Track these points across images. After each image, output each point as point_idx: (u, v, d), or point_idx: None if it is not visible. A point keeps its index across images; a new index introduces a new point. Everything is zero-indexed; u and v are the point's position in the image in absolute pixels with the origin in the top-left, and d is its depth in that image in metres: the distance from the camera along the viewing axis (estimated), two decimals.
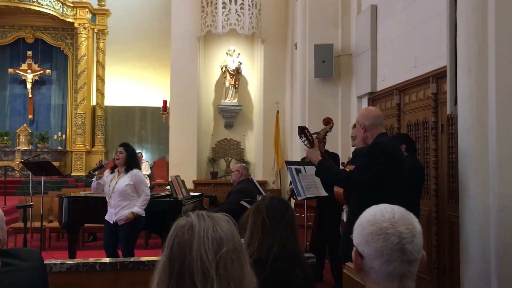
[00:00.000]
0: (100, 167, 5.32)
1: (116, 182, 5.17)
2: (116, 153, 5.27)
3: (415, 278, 1.31)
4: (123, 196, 5.12)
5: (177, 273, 1.12)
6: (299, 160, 6.42)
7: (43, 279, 1.92)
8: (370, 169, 3.05)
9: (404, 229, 1.28)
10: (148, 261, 3.10)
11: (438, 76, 4.99)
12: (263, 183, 10.37)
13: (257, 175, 11.37)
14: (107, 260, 3.08)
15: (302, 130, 3.41)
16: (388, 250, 1.26)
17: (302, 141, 3.41)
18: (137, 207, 5.13)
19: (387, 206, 1.35)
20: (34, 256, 1.94)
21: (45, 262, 2.10)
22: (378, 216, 1.31)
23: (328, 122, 4.86)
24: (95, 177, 5.33)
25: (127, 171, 5.18)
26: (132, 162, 5.24)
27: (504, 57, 3.37)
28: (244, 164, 6.67)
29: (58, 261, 3.05)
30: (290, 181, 4.93)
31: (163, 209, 5.90)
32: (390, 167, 3.04)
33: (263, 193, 5.64)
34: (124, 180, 5.14)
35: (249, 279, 1.15)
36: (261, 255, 2.11)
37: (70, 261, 3.07)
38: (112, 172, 5.30)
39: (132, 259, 3.17)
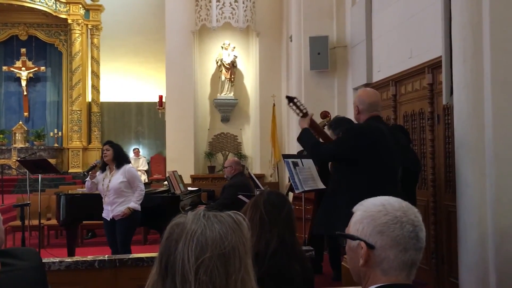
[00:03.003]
0: (93, 167, 5.33)
1: (110, 180, 5.17)
2: (103, 152, 5.30)
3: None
4: (118, 193, 5.13)
5: (163, 269, 1.12)
6: (296, 153, 6.42)
7: (42, 279, 1.92)
8: (339, 148, 3.13)
9: (413, 217, 1.31)
10: (147, 257, 3.10)
11: (434, 66, 4.99)
12: (260, 176, 10.38)
13: (255, 169, 11.38)
14: (105, 257, 3.08)
15: (291, 99, 3.48)
16: (406, 238, 1.28)
17: (293, 110, 3.47)
18: (133, 203, 5.15)
19: (384, 197, 1.36)
20: (32, 255, 1.93)
21: (44, 261, 2.10)
22: (389, 206, 1.32)
23: (325, 115, 4.88)
24: (88, 176, 5.33)
25: (118, 167, 5.18)
26: (120, 157, 5.25)
27: (499, 46, 3.37)
28: (236, 159, 6.67)
29: (57, 259, 3.05)
30: (289, 178, 4.93)
31: (161, 205, 5.92)
32: (366, 150, 3.05)
33: (261, 187, 5.64)
34: (118, 178, 5.14)
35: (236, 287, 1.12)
36: (260, 250, 2.12)
37: (69, 259, 3.07)
38: (104, 170, 5.29)
39: (131, 256, 3.18)
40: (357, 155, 3.03)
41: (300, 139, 3.50)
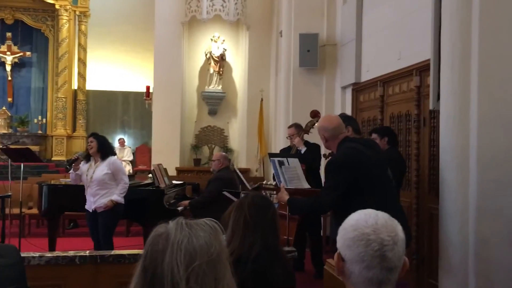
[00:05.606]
0: (75, 160, 5.27)
1: (94, 171, 5.12)
2: (88, 144, 5.25)
3: (394, 284, 1.33)
4: (102, 185, 5.08)
5: (149, 282, 1.10)
6: (282, 149, 6.42)
7: (20, 276, 1.90)
8: (332, 190, 3.10)
9: (386, 236, 1.29)
10: (128, 254, 3.07)
11: (422, 69, 5.01)
12: (246, 171, 10.36)
13: (241, 163, 11.36)
14: (87, 253, 3.05)
15: (260, 187, 3.58)
16: (369, 256, 1.28)
17: (271, 194, 3.56)
18: (116, 195, 5.11)
19: (372, 211, 1.36)
20: (11, 252, 1.91)
21: (23, 255, 2.08)
22: (362, 222, 1.32)
23: (315, 114, 4.90)
24: (72, 169, 5.27)
25: (103, 158, 5.13)
26: (105, 148, 5.20)
27: (487, 55, 3.39)
28: (224, 153, 6.66)
29: (37, 254, 3.01)
30: (273, 175, 4.94)
31: (145, 198, 5.88)
32: (355, 176, 3.03)
33: (246, 184, 5.63)
34: (102, 169, 5.10)
35: None
36: (243, 253, 2.11)
37: (49, 254, 3.03)
38: (88, 160, 5.24)
39: (112, 252, 3.15)
40: (351, 183, 3.02)
41: (294, 212, 3.56)
